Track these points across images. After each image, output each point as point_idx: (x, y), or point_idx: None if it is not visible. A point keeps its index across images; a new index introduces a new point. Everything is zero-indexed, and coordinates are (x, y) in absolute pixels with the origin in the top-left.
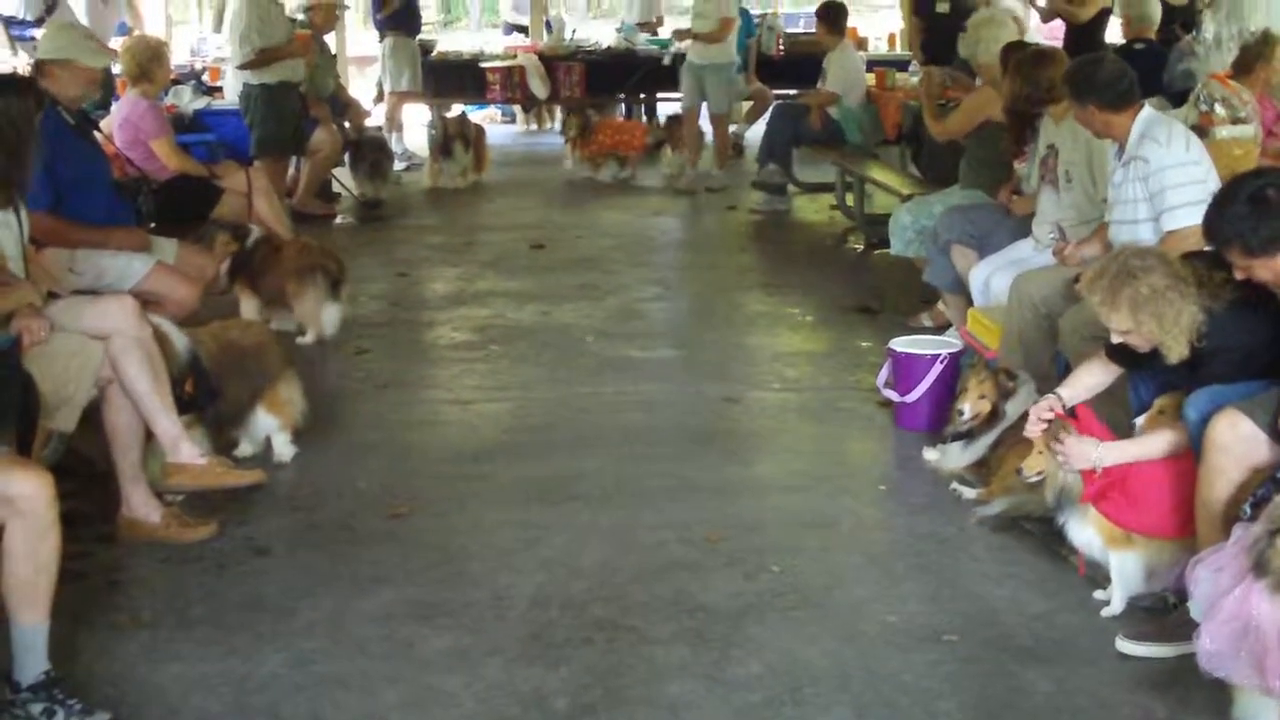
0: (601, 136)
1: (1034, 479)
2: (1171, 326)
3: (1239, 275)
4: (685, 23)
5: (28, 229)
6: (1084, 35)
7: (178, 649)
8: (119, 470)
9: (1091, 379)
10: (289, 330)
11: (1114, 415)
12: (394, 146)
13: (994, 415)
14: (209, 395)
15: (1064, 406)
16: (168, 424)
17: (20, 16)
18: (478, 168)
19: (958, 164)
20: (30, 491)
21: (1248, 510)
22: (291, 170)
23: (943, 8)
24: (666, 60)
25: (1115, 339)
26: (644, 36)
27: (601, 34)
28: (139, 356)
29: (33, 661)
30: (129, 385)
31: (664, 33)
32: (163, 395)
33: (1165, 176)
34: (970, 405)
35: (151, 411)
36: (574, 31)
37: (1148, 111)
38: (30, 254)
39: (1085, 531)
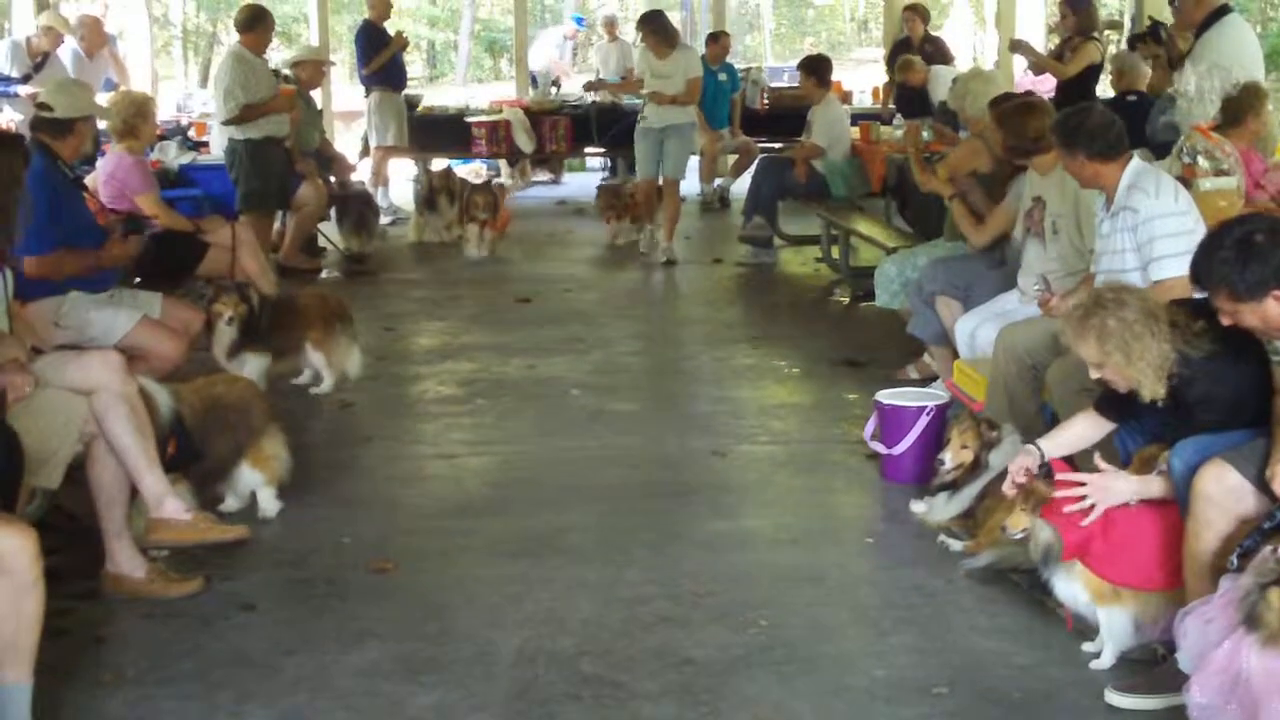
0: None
1: (1019, 536)
2: (1138, 360)
3: (1225, 321)
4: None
5: (12, 285)
6: (1074, 88)
7: (162, 705)
8: (103, 525)
9: (1077, 432)
10: (301, 382)
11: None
12: (379, 201)
13: (976, 465)
14: (191, 455)
15: (1042, 460)
16: (152, 480)
17: (5, 73)
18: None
19: (943, 217)
20: (13, 548)
21: (1234, 561)
22: (277, 225)
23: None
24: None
25: (1093, 374)
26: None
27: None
28: (123, 412)
29: (16, 719)
30: (114, 441)
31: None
32: (147, 450)
33: (1154, 226)
34: (952, 455)
35: (136, 467)
36: (558, 87)
37: (1136, 163)
38: (14, 309)
39: (1071, 587)
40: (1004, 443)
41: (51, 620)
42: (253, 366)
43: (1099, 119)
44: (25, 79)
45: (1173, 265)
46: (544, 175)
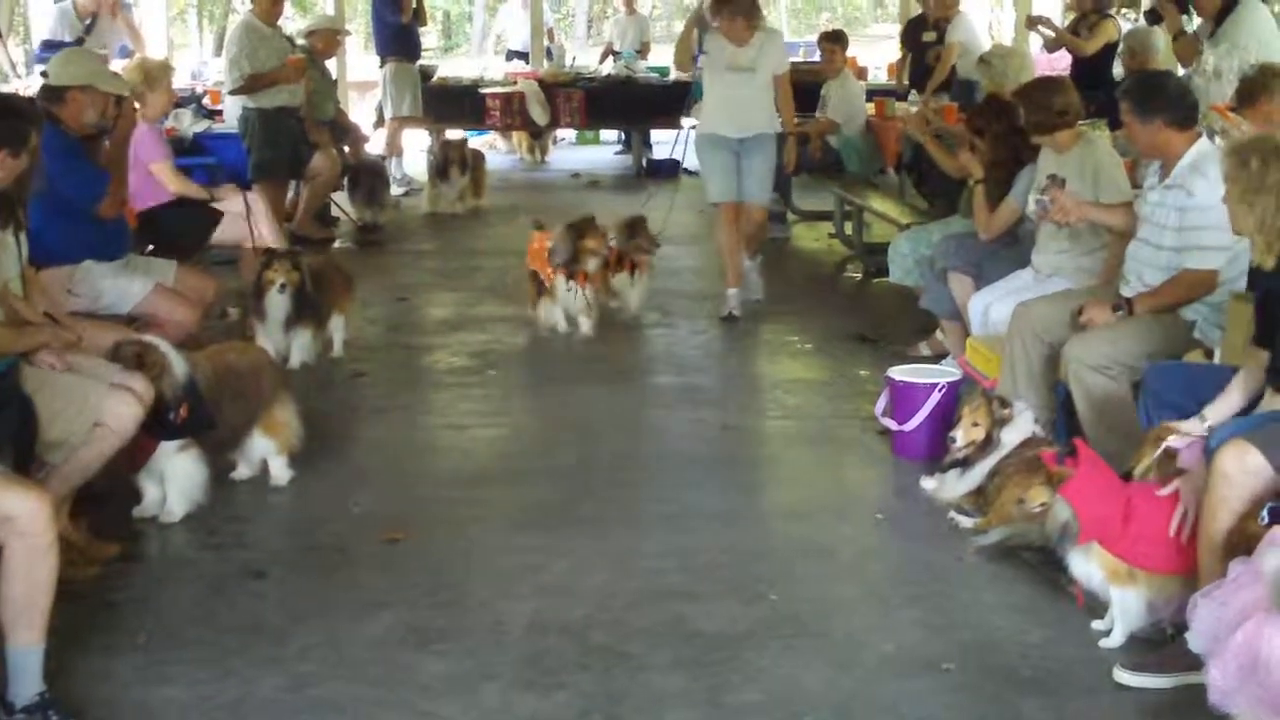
0: None
1: (1037, 510)
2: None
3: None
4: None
5: (26, 251)
6: (1091, 67)
7: (173, 671)
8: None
9: (1240, 384)
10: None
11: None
12: (393, 171)
13: (988, 442)
14: (204, 422)
15: (1207, 429)
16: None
17: (59, 37)
18: (476, 193)
19: (959, 194)
20: (29, 511)
21: (1265, 517)
22: (290, 194)
23: (929, 37)
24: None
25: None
26: (643, 64)
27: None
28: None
29: (28, 682)
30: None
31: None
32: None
33: (1205, 216)
34: (963, 432)
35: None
36: (574, 59)
37: (1204, 143)
38: (29, 275)
39: (1087, 566)
40: (1016, 420)
41: (63, 585)
42: (303, 340)
43: (1177, 86)
44: (79, 41)
45: (1210, 258)
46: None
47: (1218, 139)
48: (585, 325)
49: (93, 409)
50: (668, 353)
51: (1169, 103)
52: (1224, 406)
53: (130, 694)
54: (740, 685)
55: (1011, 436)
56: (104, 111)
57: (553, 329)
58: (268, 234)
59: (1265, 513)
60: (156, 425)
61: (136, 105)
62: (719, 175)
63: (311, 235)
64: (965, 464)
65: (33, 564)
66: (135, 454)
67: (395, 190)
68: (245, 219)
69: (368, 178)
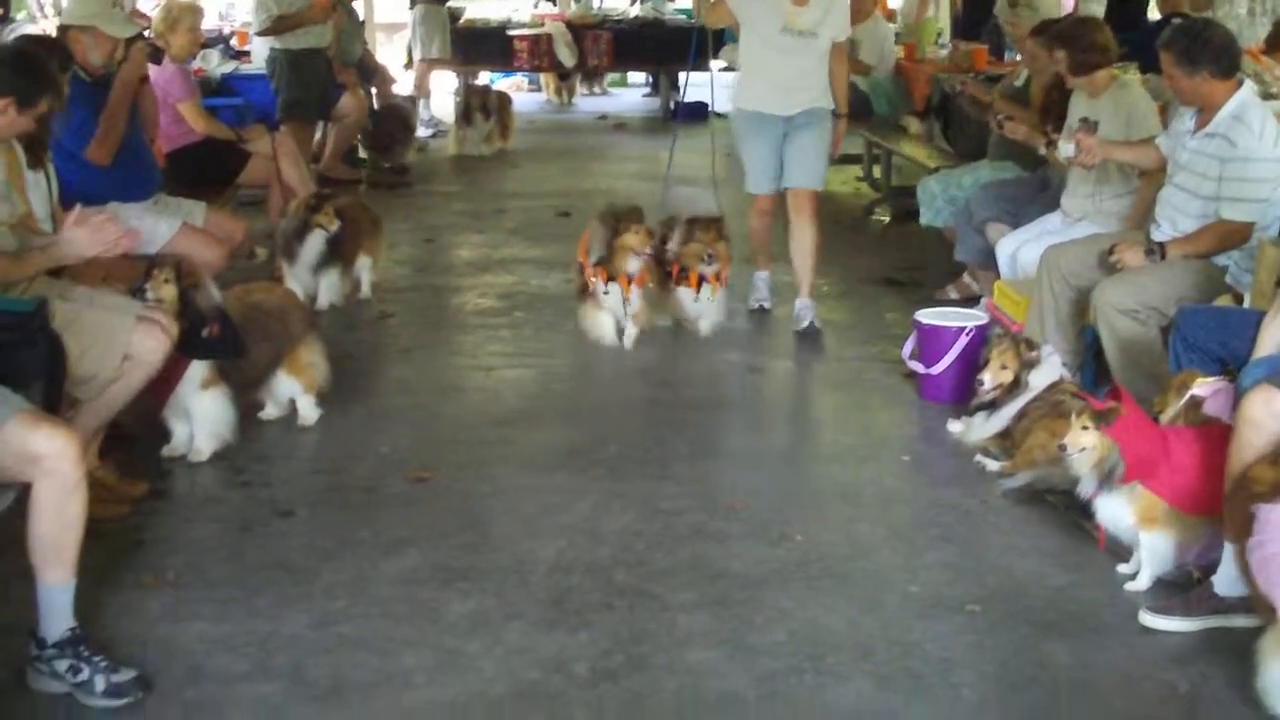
0: None
1: (1077, 455)
2: None
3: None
4: None
5: (56, 187)
6: (1125, 10)
7: (201, 608)
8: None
9: (1276, 333)
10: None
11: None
12: (421, 113)
13: (1016, 385)
14: (234, 346)
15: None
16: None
17: None
18: (503, 136)
19: (986, 137)
20: (57, 450)
21: None
22: (318, 135)
23: None
24: None
25: None
26: (671, 6)
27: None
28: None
29: (58, 619)
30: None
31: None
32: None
33: (1247, 168)
34: (991, 375)
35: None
36: (602, 0)
37: (1246, 92)
38: (59, 214)
39: (1119, 509)
40: (1044, 363)
41: (92, 523)
42: (331, 281)
43: (1223, 36)
44: None
45: (1248, 210)
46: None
47: (1249, 82)
48: (629, 337)
49: (121, 342)
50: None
51: (1215, 53)
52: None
53: (158, 630)
54: (764, 625)
55: (1039, 380)
56: (111, 54)
57: (597, 341)
58: (292, 177)
59: None
60: (187, 343)
61: (163, 47)
62: (760, 164)
63: (339, 176)
64: (992, 407)
65: (62, 502)
66: (162, 385)
67: (423, 132)
68: (273, 160)
69: (387, 126)
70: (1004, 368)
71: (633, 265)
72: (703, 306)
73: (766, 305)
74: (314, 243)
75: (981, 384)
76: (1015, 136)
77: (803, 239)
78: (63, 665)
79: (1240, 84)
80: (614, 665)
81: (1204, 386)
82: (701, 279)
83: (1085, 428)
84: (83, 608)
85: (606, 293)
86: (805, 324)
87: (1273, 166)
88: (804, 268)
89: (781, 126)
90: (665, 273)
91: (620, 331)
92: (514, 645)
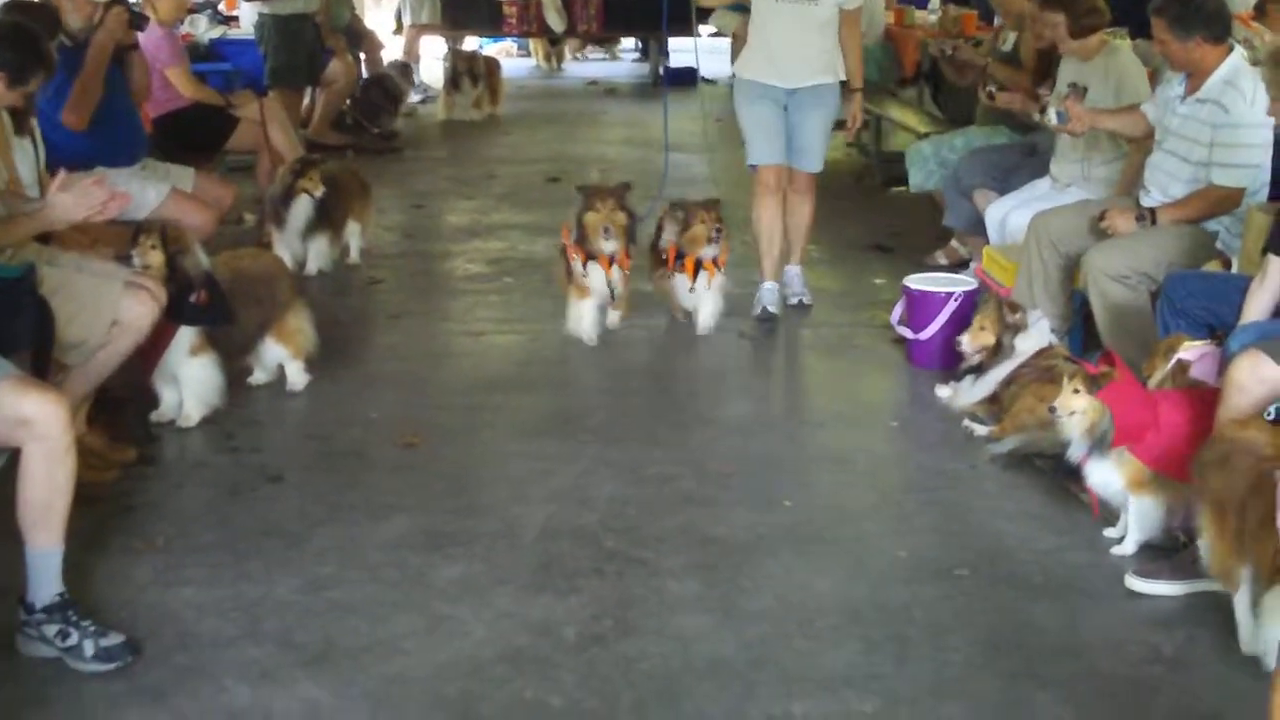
0: None
1: (1067, 418)
2: None
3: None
4: None
5: (43, 153)
6: None
7: (190, 573)
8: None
9: (1270, 287)
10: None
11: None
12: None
13: (999, 348)
14: (222, 314)
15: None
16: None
17: None
18: (492, 101)
19: (975, 102)
20: (46, 414)
21: (1272, 412)
22: (306, 101)
23: None
24: None
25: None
26: None
27: None
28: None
29: (47, 584)
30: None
31: None
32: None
33: (1239, 134)
34: (970, 337)
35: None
36: None
37: (1236, 58)
38: (46, 181)
39: (1108, 473)
40: (1032, 329)
41: (81, 488)
42: (320, 245)
43: (1215, 1)
44: None
45: (1238, 176)
46: (599, 53)
47: (1240, 49)
48: (612, 322)
49: (109, 308)
50: None
51: (1208, 19)
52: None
53: (148, 596)
54: (753, 591)
55: (1027, 345)
56: (90, 18)
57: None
58: (280, 142)
59: (1272, 410)
60: (175, 309)
61: (148, 13)
62: (762, 133)
63: (327, 142)
64: (979, 371)
65: (51, 467)
66: (151, 351)
67: (412, 97)
68: (261, 125)
69: (372, 94)
70: (983, 329)
71: (608, 245)
72: (700, 296)
73: (773, 309)
74: (301, 208)
75: (960, 344)
76: (1010, 108)
77: (799, 213)
78: (52, 630)
79: (1231, 50)
80: (603, 630)
81: (1190, 350)
82: (698, 266)
83: (1077, 391)
84: (72, 573)
85: (585, 274)
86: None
87: (1263, 132)
88: (796, 237)
89: (783, 98)
90: (660, 261)
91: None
92: (503, 610)
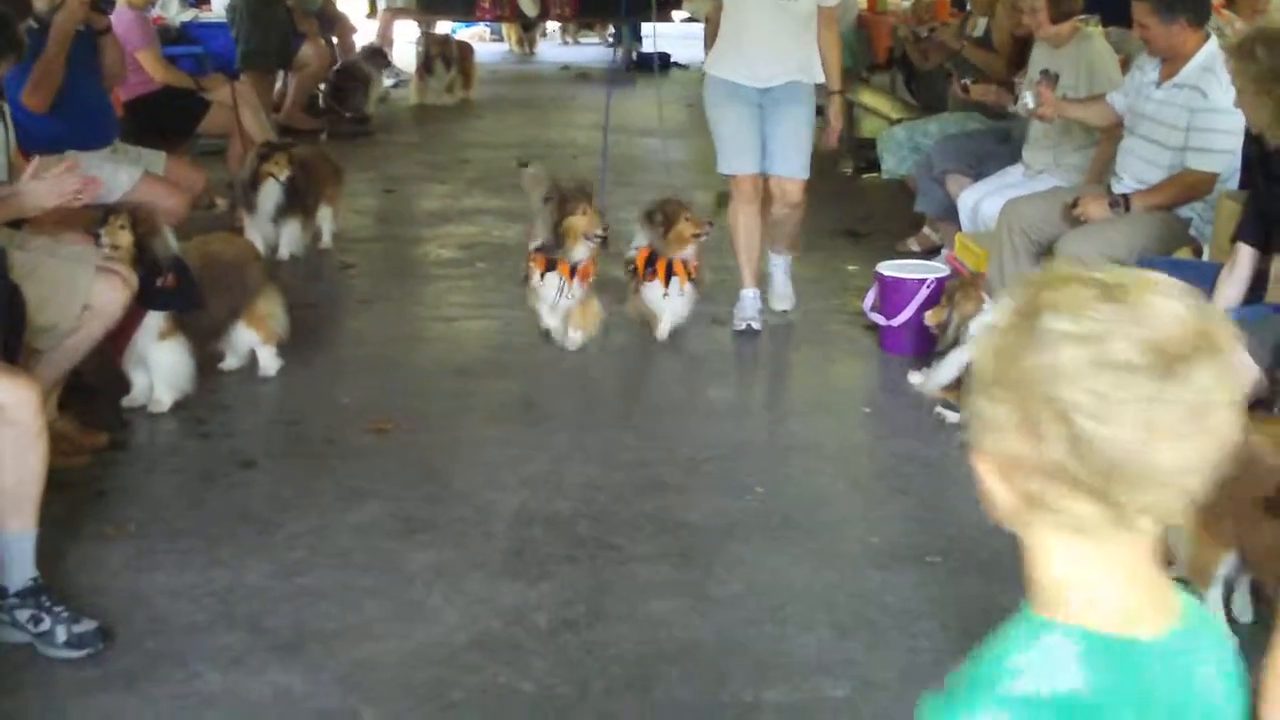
0: None
1: None
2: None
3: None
4: None
5: (13, 135)
6: None
7: (163, 559)
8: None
9: (1236, 277)
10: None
11: None
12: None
13: (947, 327)
14: (191, 300)
15: None
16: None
17: None
18: (465, 85)
19: (947, 89)
20: (18, 400)
21: None
22: (279, 85)
23: None
24: None
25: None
26: None
27: None
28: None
29: (20, 568)
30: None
31: None
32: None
33: (1215, 119)
34: (932, 315)
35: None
36: None
37: (1214, 43)
38: (18, 163)
39: None
40: (987, 311)
41: (53, 474)
42: (292, 230)
43: None
44: None
45: (1214, 161)
46: (594, 37)
47: (1213, 35)
48: (573, 340)
49: (81, 292)
50: None
51: (1191, 2)
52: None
53: (120, 581)
54: (724, 577)
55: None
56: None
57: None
58: (252, 126)
59: None
60: (144, 293)
61: None
62: (735, 137)
63: (299, 126)
64: (942, 353)
65: (23, 451)
66: (120, 336)
67: (385, 82)
68: (233, 109)
69: (345, 81)
70: (943, 306)
71: (579, 251)
72: (672, 302)
73: (756, 325)
74: (269, 192)
75: (926, 320)
76: (985, 99)
77: (785, 220)
78: (24, 615)
79: (1208, 37)
80: (575, 616)
81: None
82: (670, 270)
83: None
84: (44, 558)
85: (542, 283)
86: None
87: (1239, 118)
88: (780, 233)
89: (756, 99)
90: (630, 271)
91: (559, 331)
92: (475, 595)
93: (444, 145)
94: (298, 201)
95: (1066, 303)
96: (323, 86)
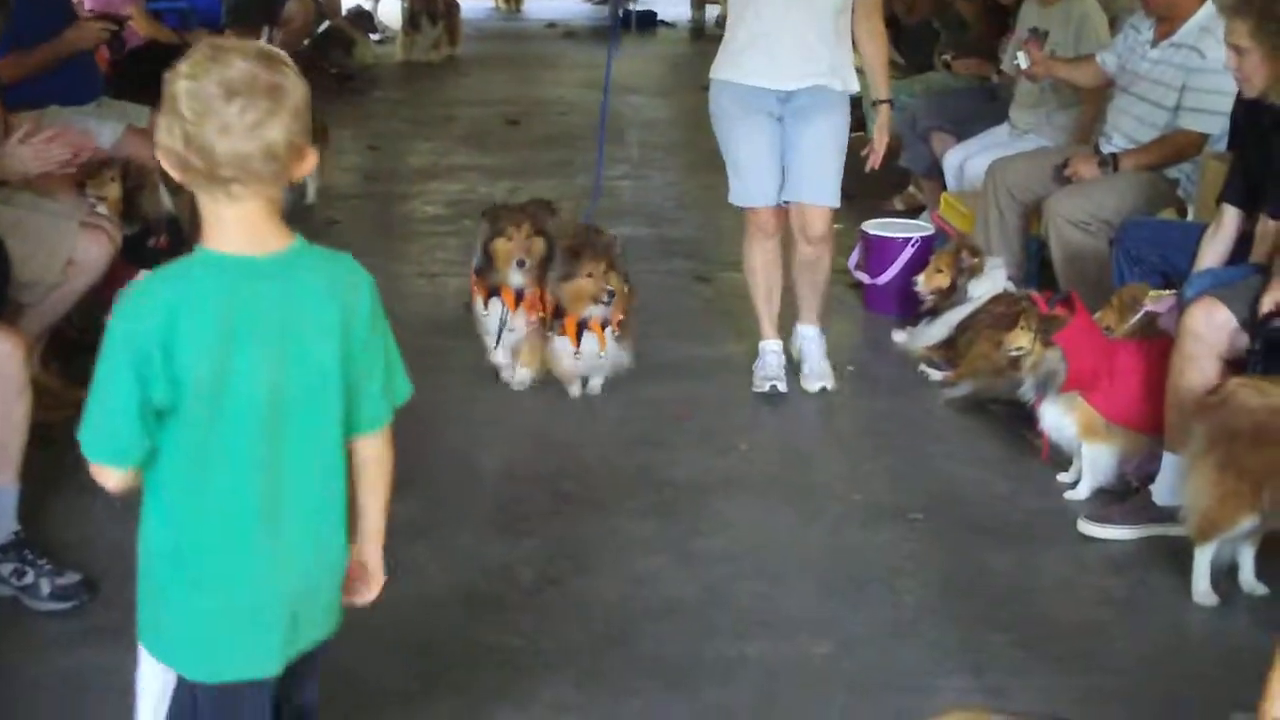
0: None
1: (1014, 354)
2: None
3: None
4: None
5: None
6: None
7: None
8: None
9: (1222, 236)
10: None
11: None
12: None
13: (954, 290)
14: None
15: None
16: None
17: None
18: (451, 42)
19: (934, 49)
20: (3, 352)
21: None
22: (263, 40)
23: None
24: None
25: (1229, 64)
26: None
27: None
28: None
29: (2, 522)
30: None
31: None
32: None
33: (1214, 80)
34: (925, 278)
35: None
36: None
37: (1211, 4)
38: (4, 119)
39: (1061, 418)
40: (987, 274)
41: (37, 428)
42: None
43: None
44: None
45: (1207, 122)
46: None
47: None
48: (520, 380)
49: (65, 248)
50: (640, 203)
51: None
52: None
53: (104, 534)
54: (708, 533)
55: (981, 290)
56: None
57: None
58: None
59: None
60: (135, 251)
61: None
62: (751, 162)
63: None
64: (934, 314)
65: (8, 405)
66: (107, 291)
67: (372, 37)
68: None
69: (330, 46)
70: (940, 271)
71: (516, 277)
72: (589, 364)
73: (781, 386)
74: None
75: (916, 285)
76: (966, 71)
77: (817, 264)
78: (7, 569)
79: None
80: (559, 571)
81: (1159, 302)
82: (582, 327)
83: (1024, 329)
84: (27, 512)
85: (486, 313)
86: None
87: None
88: (812, 292)
89: (776, 108)
90: (555, 311)
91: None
92: (459, 551)
93: (430, 102)
94: None
95: None
96: (306, 43)
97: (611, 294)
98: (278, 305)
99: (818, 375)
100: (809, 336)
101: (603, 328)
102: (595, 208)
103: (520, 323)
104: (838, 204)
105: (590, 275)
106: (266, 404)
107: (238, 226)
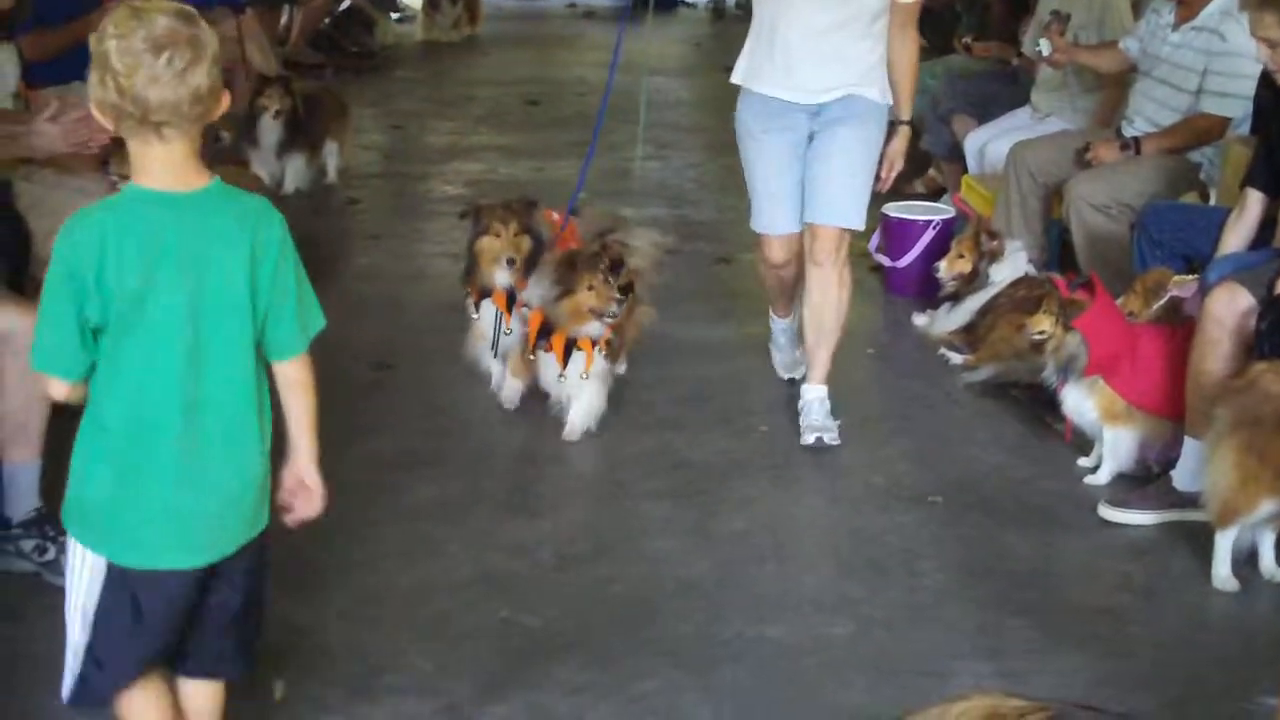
0: None
1: (1036, 338)
2: None
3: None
4: None
5: (19, 67)
6: None
7: None
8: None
9: (1246, 222)
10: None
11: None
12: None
13: (975, 275)
14: None
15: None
16: None
17: None
18: (471, 22)
19: (953, 31)
20: (24, 328)
21: None
22: (284, 18)
23: None
24: None
25: (1262, 56)
26: None
27: None
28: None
29: (24, 498)
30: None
31: None
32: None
33: (1237, 64)
34: (947, 263)
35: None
36: None
37: None
38: (23, 92)
39: (1083, 402)
40: (1008, 258)
41: (58, 404)
42: (297, 166)
43: None
44: None
45: (1229, 106)
46: None
47: None
48: (509, 393)
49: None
50: (661, 184)
51: None
52: (1240, 236)
53: None
54: (727, 515)
55: (1003, 274)
56: None
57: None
58: (257, 60)
59: None
60: None
61: None
62: (774, 181)
63: (306, 60)
64: (955, 298)
65: (28, 382)
66: None
67: (391, 16)
68: (238, 42)
69: (349, 27)
70: (961, 256)
71: (501, 277)
72: (572, 386)
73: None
74: (268, 126)
75: (938, 270)
76: (986, 54)
77: (824, 300)
78: (29, 545)
79: None
80: (578, 551)
81: (1184, 287)
82: (570, 347)
83: (1047, 313)
84: (48, 488)
85: (477, 316)
86: (813, 437)
87: (1256, 65)
88: (818, 340)
89: (806, 124)
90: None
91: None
92: (479, 530)
93: (450, 82)
94: (301, 136)
95: None
96: (327, 20)
97: (622, 302)
98: (195, 234)
99: (815, 429)
100: (812, 399)
101: (593, 345)
102: (575, 201)
103: (516, 325)
104: (859, 225)
105: (590, 288)
106: (185, 320)
107: (164, 166)
